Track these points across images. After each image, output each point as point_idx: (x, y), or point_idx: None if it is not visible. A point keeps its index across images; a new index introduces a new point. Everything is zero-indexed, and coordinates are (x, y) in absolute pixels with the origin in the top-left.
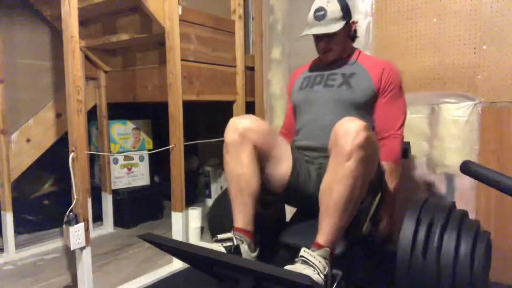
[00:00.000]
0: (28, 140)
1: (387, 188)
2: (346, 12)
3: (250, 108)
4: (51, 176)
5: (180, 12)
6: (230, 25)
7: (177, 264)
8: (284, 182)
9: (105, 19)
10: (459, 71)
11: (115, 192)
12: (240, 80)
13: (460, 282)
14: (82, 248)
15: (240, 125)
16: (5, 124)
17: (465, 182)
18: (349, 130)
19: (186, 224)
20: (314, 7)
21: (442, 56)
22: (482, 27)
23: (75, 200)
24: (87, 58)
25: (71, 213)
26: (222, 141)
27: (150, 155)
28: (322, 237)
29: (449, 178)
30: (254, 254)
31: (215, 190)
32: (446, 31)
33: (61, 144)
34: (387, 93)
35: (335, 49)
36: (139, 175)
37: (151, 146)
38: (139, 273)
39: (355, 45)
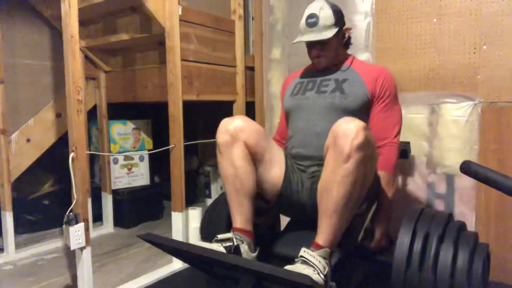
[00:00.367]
0: (28, 140)
1: (382, 199)
2: (339, 19)
3: (250, 108)
4: (51, 176)
5: (180, 12)
6: (230, 25)
7: (177, 264)
8: (277, 188)
9: (105, 19)
10: (459, 71)
11: (115, 192)
12: (240, 80)
13: None
14: (82, 248)
15: (231, 125)
16: (5, 124)
17: (465, 182)
18: (349, 130)
19: (186, 224)
20: (306, 13)
21: (442, 56)
22: (482, 27)
23: (75, 200)
24: (87, 58)
25: (71, 213)
26: None
27: (150, 155)
28: (322, 237)
29: (449, 178)
30: (254, 254)
31: (215, 190)
32: (446, 31)
33: (61, 144)
34: (382, 100)
35: (327, 56)
36: (139, 175)
37: (151, 146)
38: (139, 273)
39: (354, 47)
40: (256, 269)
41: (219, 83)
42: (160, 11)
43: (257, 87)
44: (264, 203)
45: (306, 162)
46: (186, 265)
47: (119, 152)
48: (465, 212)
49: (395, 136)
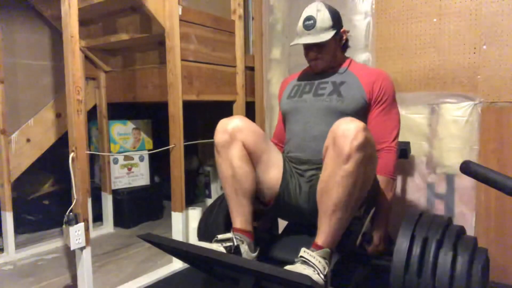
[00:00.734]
0: (28, 140)
1: (381, 202)
2: (336, 21)
3: (250, 108)
4: (51, 176)
5: (180, 12)
6: (230, 25)
7: (177, 264)
8: (275, 190)
9: (105, 19)
10: (459, 71)
11: (115, 192)
12: (240, 80)
13: None
14: (82, 248)
15: (229, 125)
16: (5, 124)
17: (465, 182)
18: (348, 131)
19: (186, 224)
20: (303, 16)
21: (442, 56)
22: (482, 27)
23: (75, 200)
24: (87, 58)
25: (71, 213)
26: None
27: (150, 155)
28: (322, 238)
29: (449, 178)
30: (254, 254)
31: (215, 190)
32: (446, 31)
33: (61, 144)
34: (380, 104)
35: (325, 59)
36: (139, 175)
37: (151, 146)
38: (139, 273)
39: (353, 47)
40: (256, 269)
41: (219, 83)
42: (160, 11)
43: (257, 87)
44: (262, 206)
45: (303, 166)
46: (186, 265)
47: (119, 152)
48: (465, 212)
49: (393, 140)
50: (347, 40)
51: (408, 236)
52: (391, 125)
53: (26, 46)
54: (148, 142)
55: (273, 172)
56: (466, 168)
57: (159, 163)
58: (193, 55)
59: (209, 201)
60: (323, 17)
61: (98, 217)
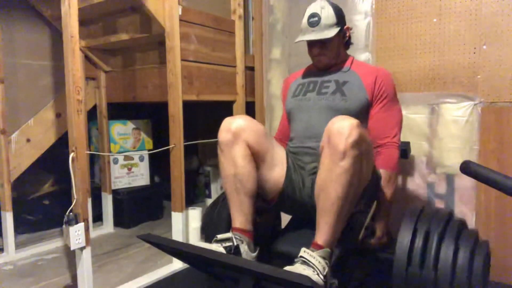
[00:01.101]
0: (28, 140)
1: (383, 196)
2: (340, 18)
3: (250, 108)
4: (51, 176)
5: (180, 12)
6: (230, 25)
7: (177, 264)
8: (279, 187)
9: (105, 19)
10: (459, 71)
11: (115, 192)
12: (240, 80)
13: None
14: (82, 248)
15: (233, 124)
16: (5, 124)
17: (465, 182)
18: (342, 129)
19: (186, 224)
20: (308, 13)
21: (442, 56)
22: (482, 27)
23: (75, 200)
24: (87, 58)
25: (71, 213)
26: None
27: (150, 155)
28: (321, 237)
29: (449, 178)
30: (254, 254)
31: (215, 190)
32: (446, 31)
33: (61, 144)
34: (381, 101)
35: (328, 55)
36: (139, 175)
37: (151, 146)
38: (139, 273)
39: (354, 47)
40: (255, 270)
41: (219, 83)
42: (160, 11)
43: (257, 87)
44: (266, 204)
45: (306, 159)
46: (186, 265)
47: (119, 152)
48: (465, 212)
49: (395, 136)
50: (350, 37)
51: (410, 230)
52: (392, 121)
53: (26, 46)
54: (148, 142)
55: (276, 169)
56: (466, 168)
57: (159, 163)
58: (193, 55)
59: (209, 201)
60: (327, 14)
61: (98, 217)
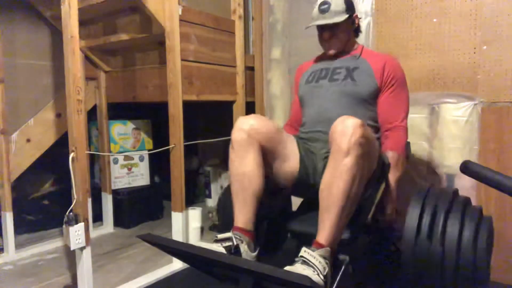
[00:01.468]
0: (28, 140)
1: (391, 177)
2: (350, 6)
3: (250, 108)
4: (51, 176)
5: (180, 12)
6: (230, 25)
7: (177, 264)
8: (293, 177)
9: (105, 19)
10: (459, 71)
11: (115, 192)
12: (240, 80)
13: (463, 263)
14: (82, 248)
15: (247, 125)
16: (5, 124)
17: (465, 182)
18: (346, 129)
19: (186, 224)
20: (319, 1)
21: (442, 56)
22: (482, 27)
23: (75, 200)
24: (87, 58)
25: (71, 213)
26: (222, 141)
27: (150, 155)
28: (323, 235)
29: (449, 178)
30: (254, 254)
31: (215, 190)
32: (446, 31)
33: (61, 144)
34: (389, 87)
35: (339, 38)
36: (139, 175)
37: (151, 146)
38: (139, 273)
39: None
40: (255, 270)
41: (219, 83)
42: (160, 11)
43: (257, 87)
44: (280, 190)
45: (317, 145)
46: (186, 265)
47: (119, 152)
48: None
49: (403, 120)
50: (359, 25)
51: (418, 206)
52: (400, 106)
53: (26, 46)
54: (148, 142)
55: (290, 161)
56: (466, 168)
57: (159, 163)
58: (193, 55)
59: (209, 201)
60: (337, 2)
61: (98, 217)
